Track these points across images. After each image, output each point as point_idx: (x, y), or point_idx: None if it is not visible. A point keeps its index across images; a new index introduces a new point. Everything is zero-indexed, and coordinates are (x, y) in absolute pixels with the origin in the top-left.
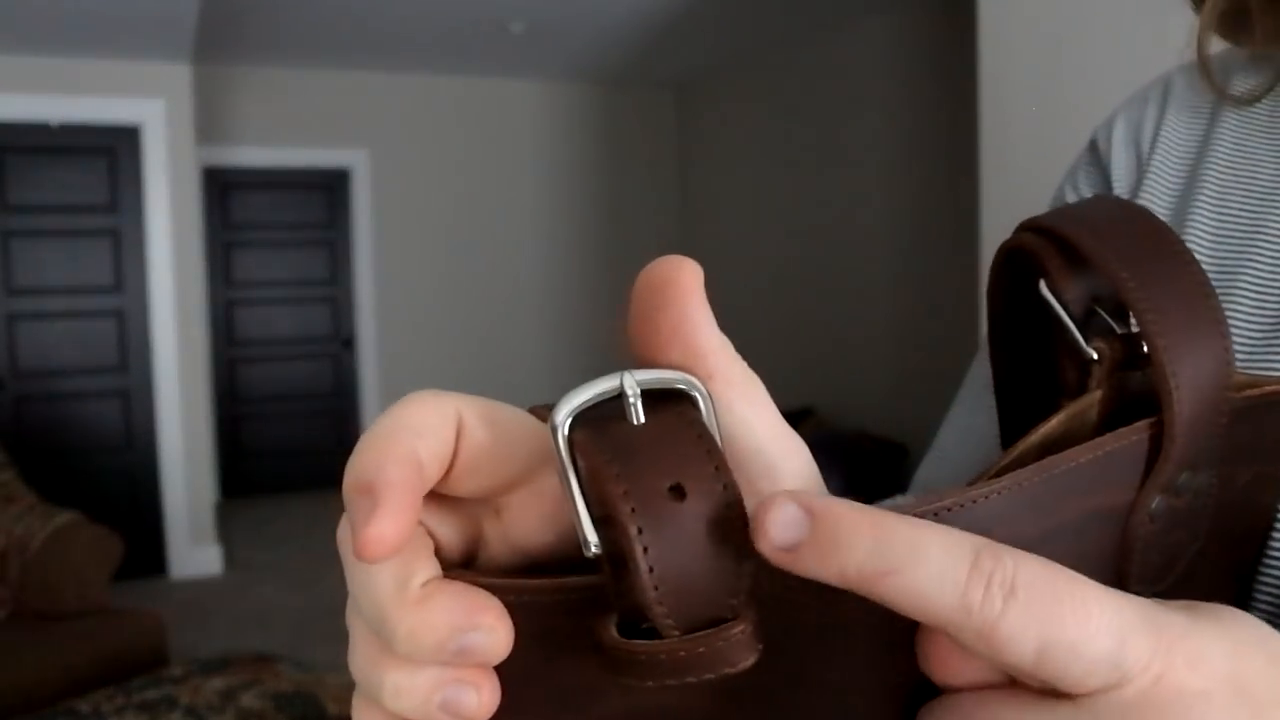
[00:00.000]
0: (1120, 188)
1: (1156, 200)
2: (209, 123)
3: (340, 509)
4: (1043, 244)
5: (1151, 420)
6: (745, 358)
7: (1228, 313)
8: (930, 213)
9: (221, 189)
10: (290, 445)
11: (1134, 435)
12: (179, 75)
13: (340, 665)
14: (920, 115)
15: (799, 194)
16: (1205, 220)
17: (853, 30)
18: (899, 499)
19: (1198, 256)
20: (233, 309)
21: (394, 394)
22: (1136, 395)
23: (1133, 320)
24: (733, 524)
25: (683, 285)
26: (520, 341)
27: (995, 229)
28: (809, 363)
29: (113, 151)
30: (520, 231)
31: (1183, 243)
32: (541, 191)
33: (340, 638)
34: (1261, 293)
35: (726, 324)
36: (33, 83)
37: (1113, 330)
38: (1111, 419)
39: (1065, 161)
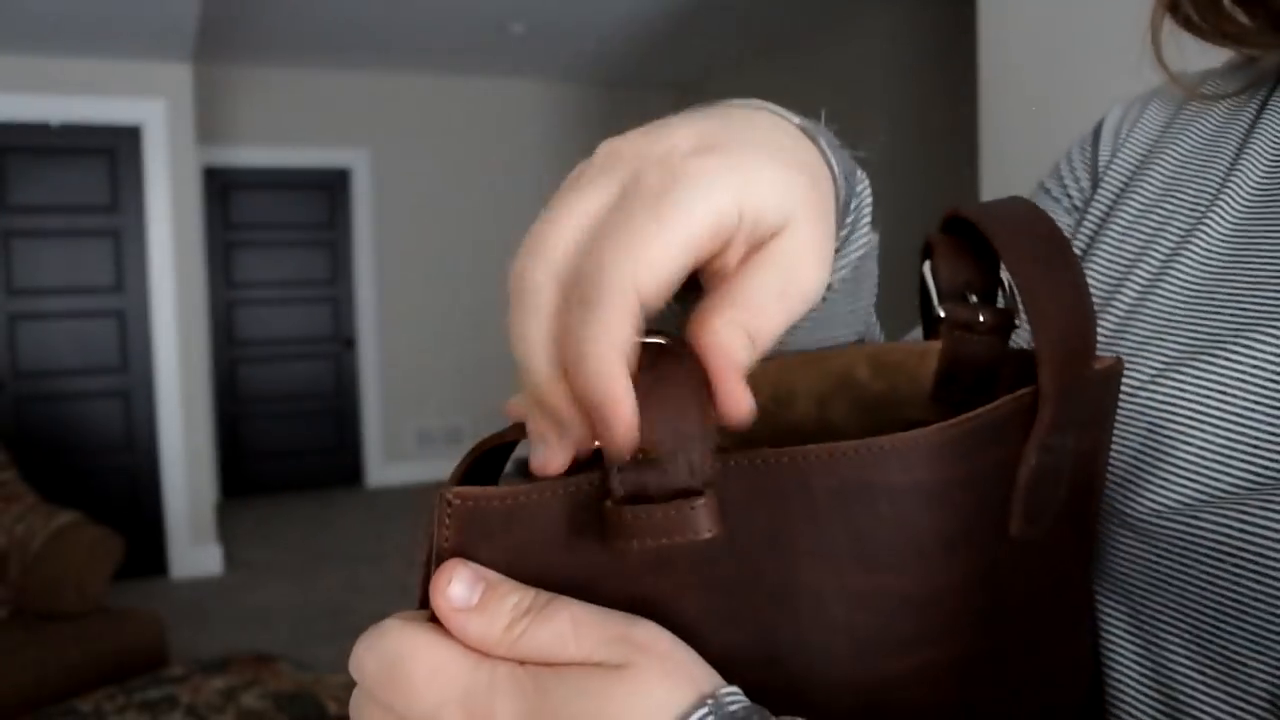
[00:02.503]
0: (1098, 171)
1: (1107, 190)
2: (210, 123)
3: (342, 511)
4: (941, 238)
5: (1032, 389)
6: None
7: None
8: (930, 212)
9: (222, 189)
10: (290, 445)
11: (1020, 400)
12: (180, 75)
13: (340, 665)
14: (920, 114)
15: None
16: (1127, 212)
17: (852, 29)
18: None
19: (1107, 245)
20: (233, 309)
21: (394, 394)
22: (972, 358)
23: (1000, 298)
24: (701, 403)
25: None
26: None
27: None
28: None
29: (113, 152)
30: (521, 232)
31: (1073, 250)
32: (542, 191)
33: (340, 637)
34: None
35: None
36: (34, 83)
37: (972, 306)
38: (948, 371)
39: None
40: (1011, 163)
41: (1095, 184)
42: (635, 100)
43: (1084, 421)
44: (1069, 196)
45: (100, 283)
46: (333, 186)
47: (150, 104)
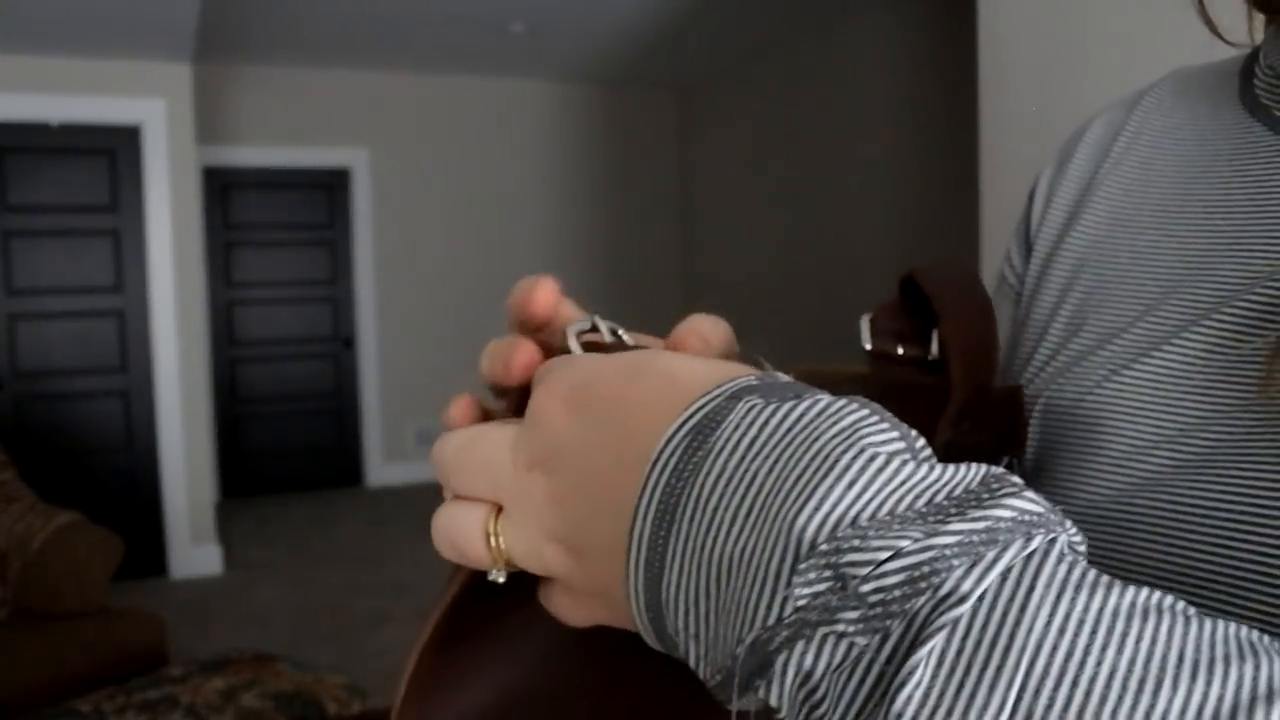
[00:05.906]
0: (1034, 226)
1: (1044, 242)
2: (209, 123)
3: (342, 511)
4: (883, 305)
5: (942, 377)
6: (744, 356)
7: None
8: (930, 213)
9: (222, 189)
10: (290, 445)
11: (930, 378)
12: (179, 75)
13: (340, 665)
14: (920, 115)
15: (799, 194)
16: (1091, 223)
17: (853, 30)
18: None
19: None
20: (233, 309)
21: (394, 394)
22: (893, 383)
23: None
24: None
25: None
26: None
27: (995, 229)
28: (808, 362)
29: (113, 151)
30: (520, 231)
31: (990, 302)
32: (541, 191)
33: (340, 637)
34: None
35: (726, 321)
36: (33, 82)
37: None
38: (876, 396)
39: None
40: (1011, 163)
41: (1028, 252)
42: (635, 100)
43: (993, 425)
44: (1009, 285)
45: (100, 283)
46: (332, 186)
47: (150, 104)
